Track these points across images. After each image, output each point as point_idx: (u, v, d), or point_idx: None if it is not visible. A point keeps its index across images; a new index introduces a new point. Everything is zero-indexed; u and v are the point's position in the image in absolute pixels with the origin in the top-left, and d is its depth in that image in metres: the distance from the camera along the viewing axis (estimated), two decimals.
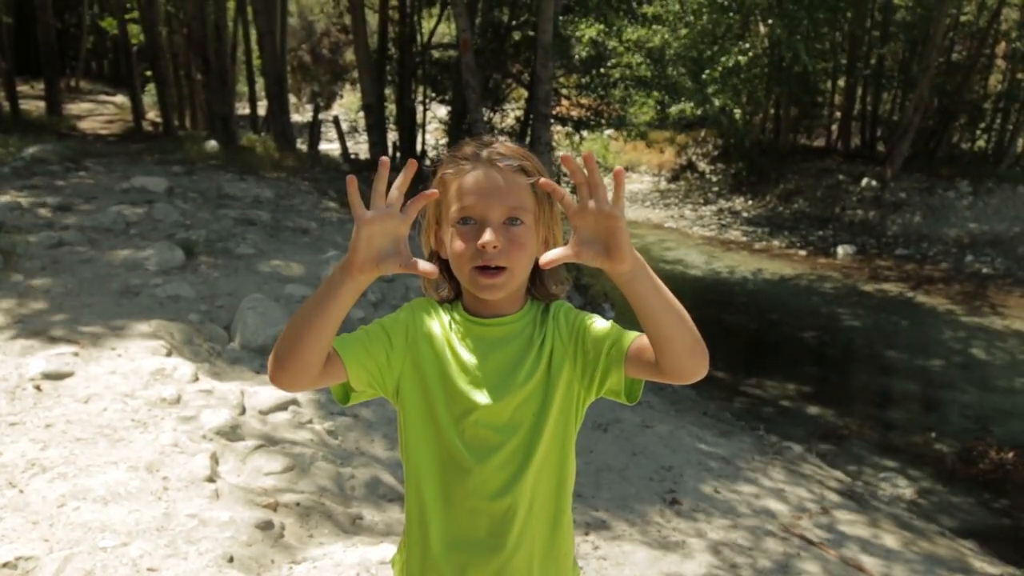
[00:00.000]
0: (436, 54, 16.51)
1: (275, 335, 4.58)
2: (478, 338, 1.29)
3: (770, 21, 14.82)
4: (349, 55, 25.32)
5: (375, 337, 1.26)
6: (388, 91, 16.10)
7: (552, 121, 12.96)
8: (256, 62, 19.43)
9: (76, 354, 3.96)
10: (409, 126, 15.68)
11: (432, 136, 16.87)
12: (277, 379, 1.17)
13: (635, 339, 1.22)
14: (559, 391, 1.28)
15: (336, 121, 17.56)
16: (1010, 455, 6.07)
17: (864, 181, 15.93)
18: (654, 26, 14.58)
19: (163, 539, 2.53)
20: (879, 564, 3.79)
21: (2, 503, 2.64)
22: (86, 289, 5.09)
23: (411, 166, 1.09)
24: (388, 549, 2.76)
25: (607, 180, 1.08)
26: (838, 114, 19.19)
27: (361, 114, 16.81)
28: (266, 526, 2.78)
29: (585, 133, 15.45)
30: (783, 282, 12.47)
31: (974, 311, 10.77)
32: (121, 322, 4.54)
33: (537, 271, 1.30)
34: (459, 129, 14.06)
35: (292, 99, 23.63)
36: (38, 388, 3.54)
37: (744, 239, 15.29)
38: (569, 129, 15.15)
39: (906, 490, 5.51)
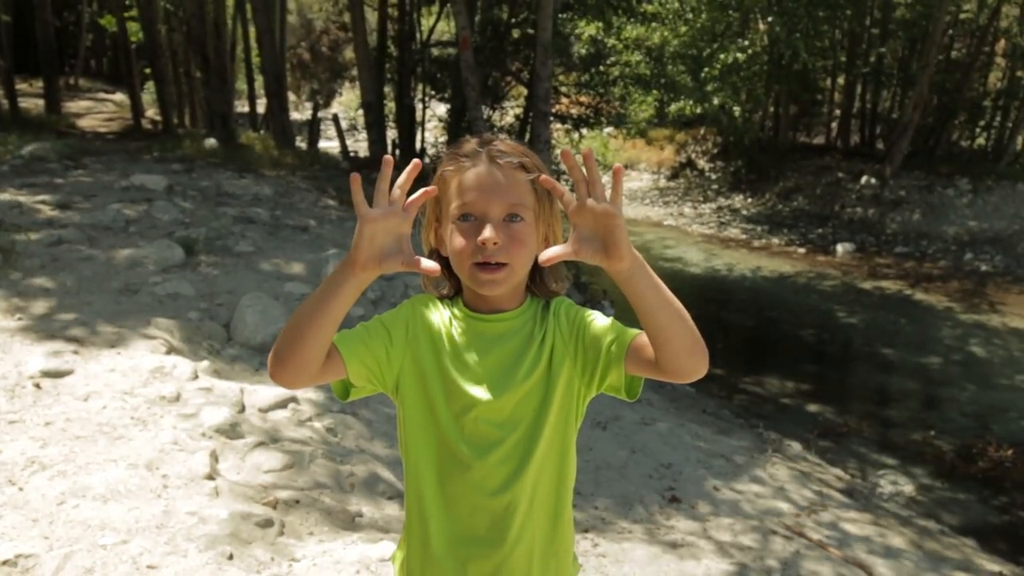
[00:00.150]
0: (435, 52, 16.51)
1: (274, 333, 4.59)
2: (478, 334, 1.29)
3: (770, 19, 14.81)
4: (348, 53, 25.30)
5: (375, 333, 1.26)
6: (387, 89, 16.09)
7: (552, 119, 12.96)
8: (255, 60, 19.42)
9: (76, 352, 3.96)
10: (408, 124, 15.67)
11: (431, 134, 16.87)
12: (277, 375, 1.17)
13: (635, 336, 1.22)
14: (559, 387, 1.28)
15: (335, 119, 17.56)
16: (1009, 452, 6.08)
17: (863, 179, 15.93)
18: (653, 24, 14.57)
19: (163, 536, 2.53)
20: (878, 560, 3.80)
21: (2, 501, 2.64)
22: (85, 287, 5.08)
23: (415, 166, 1.10)
24: (388, 547, 2.76)
25: (605, 178, 1.08)
26: (837, 112, 19.19)
27: (360, 112, 16.82)
28: (266, 523, 2.78)
29: (584, 131, 15.45)
30: (782, 280, 12.48)
31: (973, 309, 10.78)
32: (120, 320, 4.54)
33: (537, 268, 1.30)
34: (458, 127, 14.06)
35: (291, 97, 23.61)
36: (38, 386, 3.53)
37: (743, 237, 15.30)
38: (568, 127, 15.16)
39: (906, 487, 5.51)
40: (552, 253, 1.12)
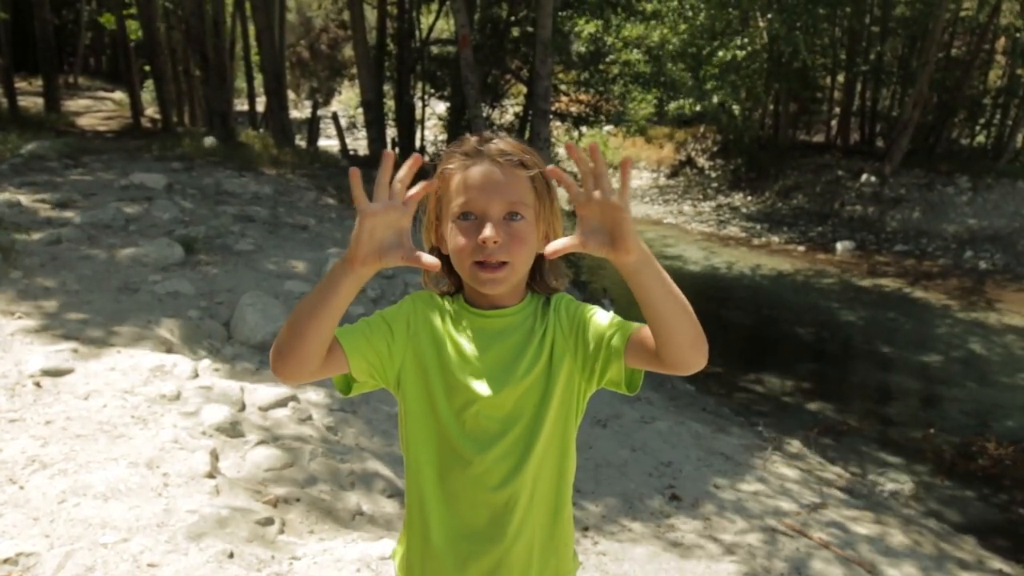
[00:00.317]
0: (435, 50, 16.50)
1: (274, 331, 4.59)
2: (479, 330, 1.30)
3: (769, 16, 14.81)
4: (348, 51, 25.28)
5: (376, 328, 1.26)
6: (387, 87, 16.09)
7: (551, 117, 12.96)
8: (254, 58, 19.40)
9: (75, 351, 3.96)
10: (408, 122, 15.67)
11: (431, 132, 16.87)
12: (279, 371, 1.17)
13: (636, 330, 1.22)
14: (560, 382, 1.28)
15: (335, 117, 17.55)
16: (1009, 450, 6.08)
17: (863, 177, 15.93)
18: (652, 22, 14.57)
19: (163, 535, 2.53)
20: (879, 558, 3.80)
21: (3, 499, 2.64)
22: (85, 286, 5.08)
23: (415, 160, 1.09)
24: (388, 544, 2.77)
25: (609, 172, 1.07)
26: (837, 110, 19.17)
27: (360, 110, 16.80)
28: (266, 522, 2.78)
29: (584, 129, 15.46)
30: (782, 278, 12.48)
31: (973, 307, 10.78)
32: (120, 319, 4.54)
33: (538, 265, 1.30)
34: (458, 125, 14.06)
35: (291, 95, 23.59)
36: (38, 385, 3.54)
37: (743, 235, 15.29)
38: (568, 125, 15.16)
39: (906, 485, 5.51)
40: (559, 245, 1.12)
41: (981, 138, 17.42)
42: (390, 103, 15.88)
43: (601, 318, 1.27)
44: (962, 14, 16.44)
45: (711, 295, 11.31)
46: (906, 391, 8.02)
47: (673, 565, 3.32)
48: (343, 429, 3.92)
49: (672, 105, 15.51)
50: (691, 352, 1.15)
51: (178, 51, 19.37)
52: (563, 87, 15.35)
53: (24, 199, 7.14)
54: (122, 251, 5.86)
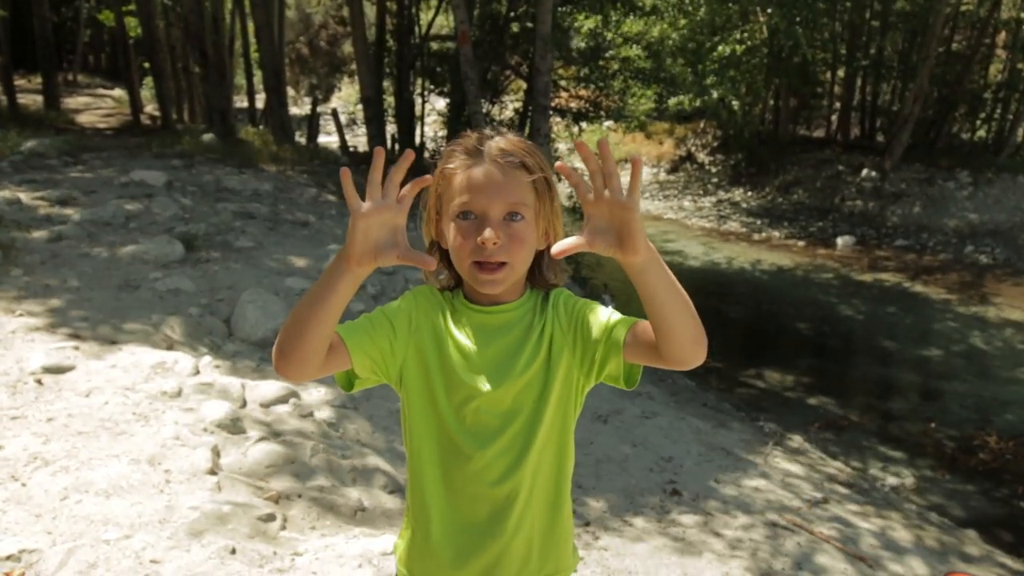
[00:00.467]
0: (434, 46, 16.47)
1: (275, 328, 4.60)
2: (478, 326, 1.30)
3: (769, 10, 14.78)
4: (347, 47, 25.26)
5: (378, 324, 1.26)
6: (386, 83, 16.06)
7: (551, 113, 12.93)
8: (254, 55, 19.37)
9: (77, 348, 3.97)
10: (408, 118, 15.65)
11: (431, 128, 16.85)
12: (282, 370, 1.17)
13: (634, 325, 1.22)
14: (559, 377, 1.29)
15: (334, 114, 17.55)
16: (1010, 444, 6.09)
17: (864, 172, 15.92)
18: (651, 17, 14.55)
19: (165, 531, 2.54)
20: (881, 552, 3.81)
21: (5, 496, 2.65)
22: (86, 283, 5.08)
23: (408, 156, 1.08)
24: (390, 540, 2.77)
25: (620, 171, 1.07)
26: (837, 104, 19.15)
27: (359, 107, 16.79)
28: (268, 518, 2.79)
29: (584, 125, 15.43)
30: (782, 273, 12.48)
31: (973, 301, 10.78)
32: (121, 316, 4.54)
33: (537, 261, 1.31)
34: (458, 121, 14.03)
35: (290, 92, 23.58)
36: (39, 382, 3.54)
37: (743, 230, 15.29)
38: (568, 121, 15.13)
39: (907, 480, 5.52)
40: (566, 245, 1.11)
41: (982, 133, 17.40)
42: (390, 99, 15.86)
43: (600, 313, 1.27)
44: (963, 8, 16.40)
45: (712, 291, 11.31)
46: (907, 386, 8.02)
47: (674, 560, 3.32)
48: (344, 425, 3.92)
49: (672, 100, 15.50)
50: (692, 348, 1.15)
51: (177, 48, 19.34)
52: (563, 83, 15.32)
53: (24, 197, 7.14)
54: (122, 248, 5.86)
